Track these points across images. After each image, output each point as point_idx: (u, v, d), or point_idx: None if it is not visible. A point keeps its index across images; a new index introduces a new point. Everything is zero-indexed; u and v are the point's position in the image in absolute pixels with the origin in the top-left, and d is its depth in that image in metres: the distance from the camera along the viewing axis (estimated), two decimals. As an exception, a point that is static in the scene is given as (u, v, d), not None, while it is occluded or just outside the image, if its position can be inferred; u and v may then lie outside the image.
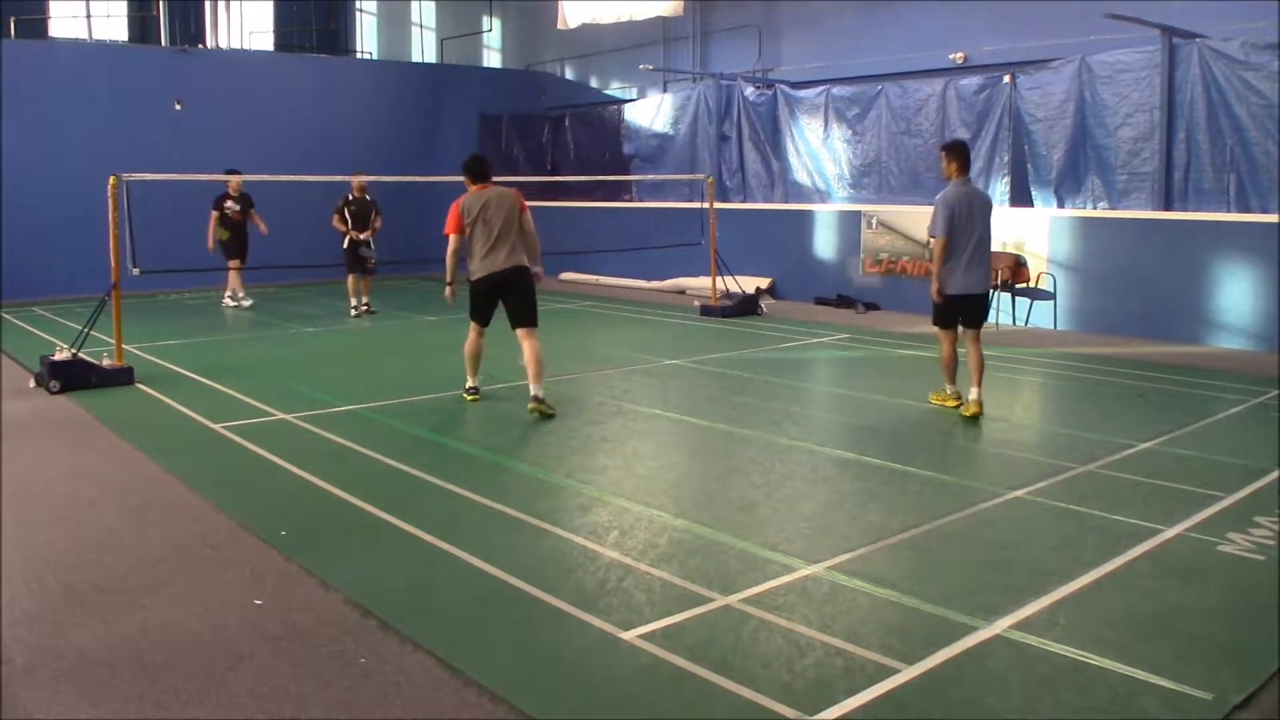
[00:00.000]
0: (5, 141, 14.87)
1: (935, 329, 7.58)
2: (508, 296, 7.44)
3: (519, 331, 7.46)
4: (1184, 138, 11.26)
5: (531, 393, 7.31)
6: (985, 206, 7.32)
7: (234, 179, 13.32)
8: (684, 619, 3.87)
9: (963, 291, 7.28)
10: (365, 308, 13.10)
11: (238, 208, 13.53)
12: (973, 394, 7.29)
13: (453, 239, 7.41)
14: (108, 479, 5.88)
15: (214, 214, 13.43)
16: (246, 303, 13.98)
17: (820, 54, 16.90)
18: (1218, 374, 8.99)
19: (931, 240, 7.40)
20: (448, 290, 7.64)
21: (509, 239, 7.32)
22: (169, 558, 4.58)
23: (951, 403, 7.55)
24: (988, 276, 7.43)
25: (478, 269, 7.39)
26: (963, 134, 13.19)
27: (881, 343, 8.37)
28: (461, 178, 7.61)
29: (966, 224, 7.17)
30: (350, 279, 12.97)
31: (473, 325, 7.60)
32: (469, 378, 7.83)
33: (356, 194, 12.95)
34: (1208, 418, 7.34)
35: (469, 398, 7.81)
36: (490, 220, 7.27)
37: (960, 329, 7.49)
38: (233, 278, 13.88)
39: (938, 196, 7.32)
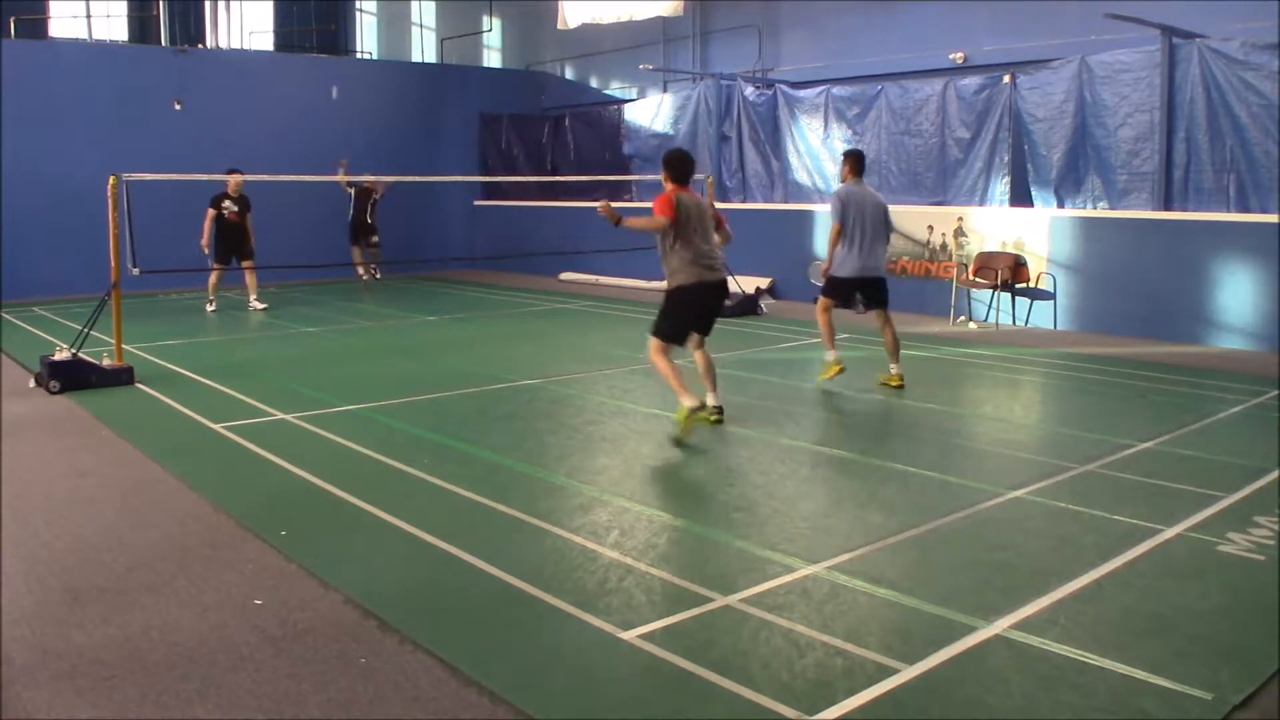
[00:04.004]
0: (5, 141, 14.87)
1: (820, 301, 8.47)
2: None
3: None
4: (1184, 138, 11.26)
5: (711, 403, 6.94)
6: (878, 204, 8.26)
7: (234, 179, 13.13)
8: (684, 619, 3.87)
9: (859, 274, 8.18)
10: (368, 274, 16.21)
11: (236, 209, 13.26)
12: (893, 369, 8.30)
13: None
14: (108, 479, 5.89)
15: (210, 212, 13.17)
16: (210, 307, 13.45)
17: (820, 54, 16.91)
18: (1218, 374, 8.99)
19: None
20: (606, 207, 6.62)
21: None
22: (169, 558, 4.58)
23: (832, 370, 8.24)
24: (882, 263, 8.36)
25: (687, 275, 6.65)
26: (962, 134, 13.23)
27: (880, 342, 8.38)
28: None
29: (859, 216, 8.09)
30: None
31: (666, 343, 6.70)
32: (684, 397, 6.43)
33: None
34: (1208, 418, 7.34)
35: (708, 417, 6.75)
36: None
37: (867, 312, 8.52)
38: (212, 279, 13.42)
39: (832, 191, 8.52)
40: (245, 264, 13.43)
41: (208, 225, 13.18)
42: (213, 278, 13.50)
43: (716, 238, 7.03)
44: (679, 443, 6.46)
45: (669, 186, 6.72)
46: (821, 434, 6.99)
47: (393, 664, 3.55)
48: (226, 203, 13.25)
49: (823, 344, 8.49)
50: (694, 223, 6.63)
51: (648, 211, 6.83)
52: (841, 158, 8.62)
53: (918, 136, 13.78)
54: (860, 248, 8.15)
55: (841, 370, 8.25)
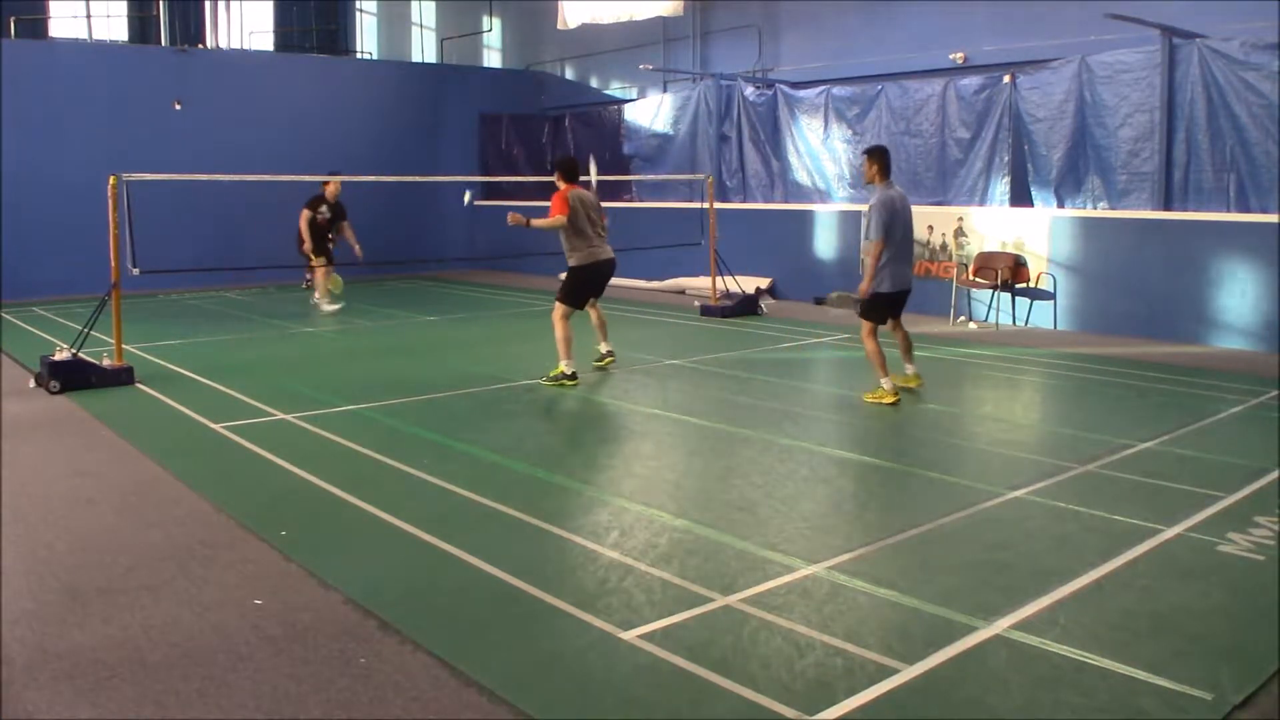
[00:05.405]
0: (5, 141, 14.87)
1: (864, 326, 7.78)
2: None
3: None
4: (1184, 138, 11.25)
5: (604, 349, 8.88)
6: (908, 207, 7.73)
7: (331, 187, 12.94)
8: (684, 619, 3.87)
9: (899, 288, 7.70)
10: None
11: (329, 215, 13.02)
12: (909, 369, 8.08)
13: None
14: (108, 479, 5.89)
15: (306, 213, 12.90)
16: (328, 306, 13.33)
17: (820, 54, 16.89)
18: (1218, 374, 8.99)
19: (867, 243, 7.62)
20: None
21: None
22: (169, 558, 4.58)
23: (890, 399, 7.60)
24: (912, 272, 8.01)
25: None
26: (962, 134, 13.22)
27: (880, 343, 8.36)
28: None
29: (898, 225, 7.55)
30: None
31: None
32: (565, 362, 8.13)
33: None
34: (1208, 418, 7.34)
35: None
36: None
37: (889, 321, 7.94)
38: (319, 278, 13.33)
39: (872, 201, 7.54)
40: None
41: (305, 229, 12.91)
42: (319, 275, 13.30)
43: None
44: (562, 386, 8.15)
45: (563, 185, 8.17)
46: (821, 434, 7.00)
47: (393, 664, 3.55)
48: (323, 208, 13.03)
49: (875, 372, 7.71)
50: (585, 213, 8.18)
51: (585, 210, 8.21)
52: (865, 156, 7.80)
53: (918, 136, 13.77)
54: (899, 258, 7.60)
55: (897, 401, 7.61)
